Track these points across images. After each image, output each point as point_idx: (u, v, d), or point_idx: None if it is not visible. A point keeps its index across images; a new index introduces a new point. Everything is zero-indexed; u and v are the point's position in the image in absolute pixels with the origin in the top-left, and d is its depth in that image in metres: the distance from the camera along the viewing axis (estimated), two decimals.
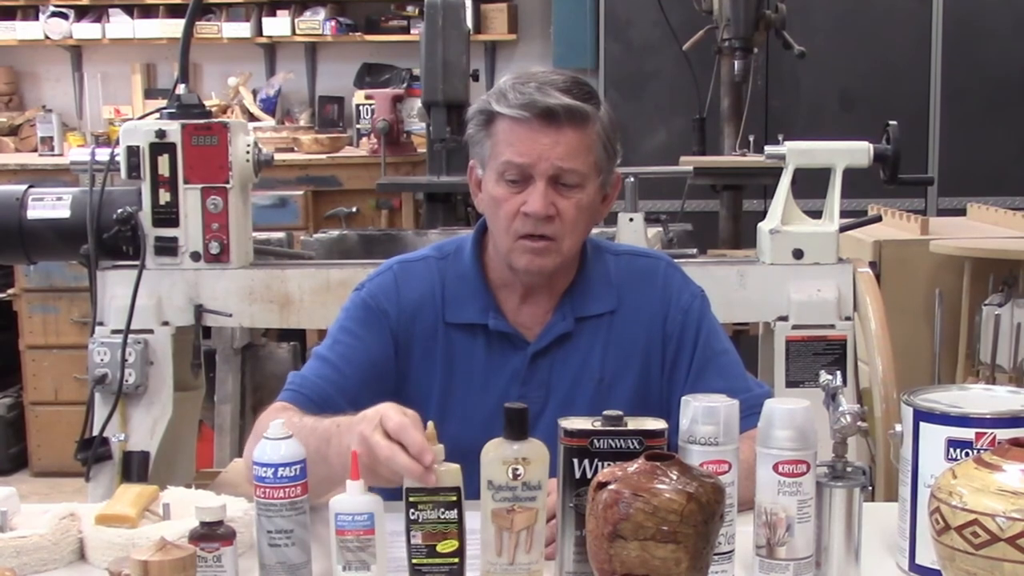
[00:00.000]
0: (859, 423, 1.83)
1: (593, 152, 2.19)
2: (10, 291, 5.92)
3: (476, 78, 4.70)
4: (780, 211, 3.20)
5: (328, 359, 2.27)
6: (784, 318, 3.14)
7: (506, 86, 2.20)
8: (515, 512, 1.78)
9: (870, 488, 1.89)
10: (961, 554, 1.55)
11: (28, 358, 5.91)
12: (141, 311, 3.11)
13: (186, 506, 1.95)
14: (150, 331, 3.15)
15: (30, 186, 3.23)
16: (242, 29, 6.80)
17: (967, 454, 1.74)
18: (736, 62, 4.94)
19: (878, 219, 3.94)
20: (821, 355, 3.09)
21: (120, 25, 6.82)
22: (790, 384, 3.09)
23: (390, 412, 1.86)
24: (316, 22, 6.79)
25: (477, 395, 2.24)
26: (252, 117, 6.70)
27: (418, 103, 5.67)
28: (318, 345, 2.35)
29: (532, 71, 2.24)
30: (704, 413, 1.77)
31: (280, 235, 3.90)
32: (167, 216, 3.15)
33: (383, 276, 2.33)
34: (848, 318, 3.13)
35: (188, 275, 3.18)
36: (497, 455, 1.78)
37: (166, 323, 3.17)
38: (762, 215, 3.31)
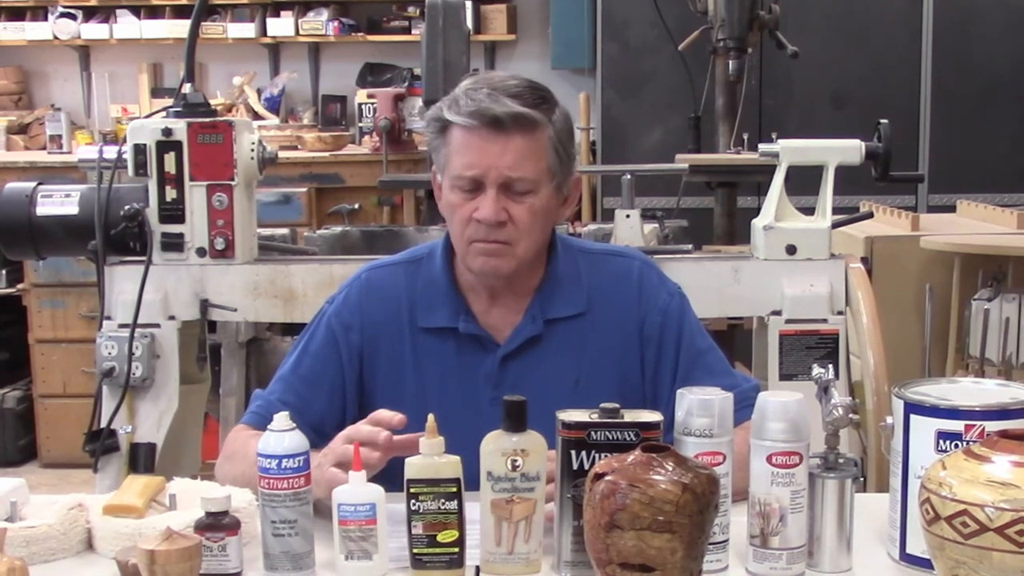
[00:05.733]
0: (851, 415, 1.85)
1: (544, 158, 2.18)
2: (19, 286, 5.97)
3: None
4: (774, 208, 3.20)
5: (292, 383, 2.29)
6: (777, 312, 3.15)
7: (459, 92, 2.18)
8: (514, 503, 1.81)
9: (862, 479, 1.90)
10: (951, 543, 1.57)
11: (37, 352, 5.95)
12: (148, 306, 3.13)
13: (192, 497, 1.97)
14: (157, 325, 3.17)
15: (39, 183, 3.25)
16: (247, 29, 6.83)
17: (956, 446, 1.75)
18: (731, 62, 4.93)
19: (870, 216, 3.94)
20: (814, 349, 3.10)
21: (127, 25, 6.85)
22: (783, 377, 3.10)
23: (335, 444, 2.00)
24: (319, 23, 6.81)
25: (452, 398, 2.22)
26: (256, 116, 6.72)
27: (419, 102, 5.68)
28: (285, 362, 2.35)
29: (488, 75, 2.23)
30: (699, 406, 1.79)
31: (284, 231, 3.90)
32: (173, 212, 3.17)
33: (350, 291, 2.34)
34: (840, 313, 3.14)
35: (194, 270, 3.20)
36: (496, 447, 1.81)
37: (172, 317, 3.20)
38: (756, 212, 3.31)
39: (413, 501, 1.79)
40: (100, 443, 3.12)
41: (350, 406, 2.28)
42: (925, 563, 1.75)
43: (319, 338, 2.31)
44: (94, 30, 6.86)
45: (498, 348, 2.26)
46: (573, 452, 1.79)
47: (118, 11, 6.88)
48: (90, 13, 6.90)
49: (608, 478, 1.59)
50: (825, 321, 3.13)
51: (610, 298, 2.29)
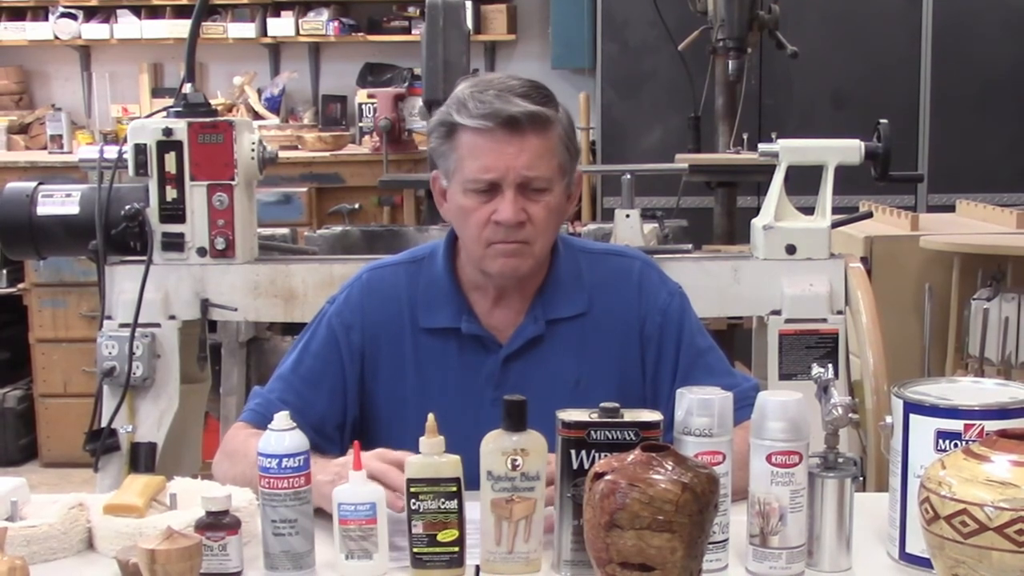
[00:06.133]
0: (850, 415, 1.85)
1: (556, 155, 2.18)
2: (20, 286, 5.98)
3: None
4: (773, 208, 3.21)
5: (292, 382, 2.28)
6: (777, 312, 3.16)
7: (465, 95, 2.16)
8: (514, 502, 1.81)
9: (861, 479, 1.90)
10: (950, 543, 1.57)
11: (38, 351, 5.96)
12: (148, 305, 3.14)
13: (192, 496, 1.97)
14: (157, 325, 3.17)
15: (40, 183, 3.25)
16: (247, 29, 6.83)
17: (956, 445, 1.75)
18: (730, 62, 4.93)
19: (869, 215, 3.93)
20: (813, 348, 3.10)
21: (128, 25, 6.85)
22: (783, 377, 3.10)
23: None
24: (319, 23, 6.82)
25: (452, 398, 2.21)
26: (257, 116, 6.72)
27: (419, 102, 5.67)
28: (284, 360, 2.34)
29: (488, 77, 2.22)
30: (699, 405, 1.79)
31: (284, 231, 3.90)
32: (174, 212, 3.17)
33: (351, 291, 2.32)
34: (840, 312, 3.14)
35: (194, 270, 3.20)
36: (496, 446, 1.81)
37: (173, 317, 3.20)
38: (756, 211, 3.31)
39: (413, 500, 1.80)
40: (101, 442, 3.12)
41: (351, 406, 2.28)
42: (925, 562, 1.76)
43: (320, 338, 2.30)
44: (95, 30, 6.87)
45: (500, 349, 2.26)
46: (573, 452, 1.79)
47: (119, 11, 6.89)
48: (91, 13, 6.91)
49: (608, 477, 1.59)
50: (825, 321, 3.13)
51: (611, 298, 2.29)
